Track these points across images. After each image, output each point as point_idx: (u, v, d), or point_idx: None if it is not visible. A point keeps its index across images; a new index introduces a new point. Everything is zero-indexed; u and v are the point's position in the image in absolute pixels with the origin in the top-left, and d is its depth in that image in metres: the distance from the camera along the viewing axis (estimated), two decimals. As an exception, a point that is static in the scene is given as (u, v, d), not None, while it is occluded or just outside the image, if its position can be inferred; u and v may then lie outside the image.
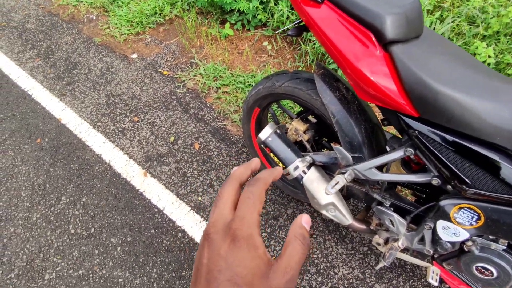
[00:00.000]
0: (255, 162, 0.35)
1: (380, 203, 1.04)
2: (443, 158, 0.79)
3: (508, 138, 0.70)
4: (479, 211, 0.81)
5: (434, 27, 1.94)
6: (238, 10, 2.32)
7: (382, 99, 0.83)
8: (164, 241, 1.50)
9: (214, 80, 2.13)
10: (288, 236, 0.29)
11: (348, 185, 1.11)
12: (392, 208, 1.02)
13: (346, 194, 1.16)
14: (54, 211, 1.64)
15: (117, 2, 2.83)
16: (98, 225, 1.58)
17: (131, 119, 2.00)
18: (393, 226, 1.01)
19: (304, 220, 0.31)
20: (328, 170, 1.17)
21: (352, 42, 0.81)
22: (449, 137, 0.78)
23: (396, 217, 0.98)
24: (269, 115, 1.75)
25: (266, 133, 1.10)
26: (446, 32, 1.90)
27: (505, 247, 0.85)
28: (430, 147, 0.81)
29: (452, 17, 1.92)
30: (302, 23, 1.00)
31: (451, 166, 0.78)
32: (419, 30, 0.84)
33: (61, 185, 1.73)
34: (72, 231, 1.56)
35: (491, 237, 0.86)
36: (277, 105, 1.57)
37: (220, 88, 2.09)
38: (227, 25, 2.37)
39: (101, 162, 1.81)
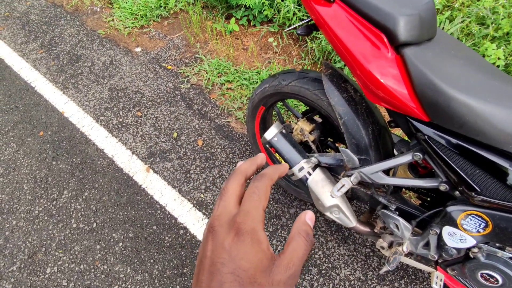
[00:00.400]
0: (261, 157, 0.35)
1: (385, 207, 1.03)
2: (452, 164, 0.78)
3: (521, 146, 0.69)
4: (487, 219, 0.80)
5: (443, 27, 1.91)
6: (244, 5, 2.29)
7: (392, 102, 0.81)
8: (166, 238, 1.50)
9: (218, 76, 2.11)
10: (291, 232, 0.30)
11: (353, 187, 1.10)
12: (397, 212, 1.01)
13: (350, 196, 1.15)
14: (56, 205, 1.64)
15: (122, -6, 2.80)
16: (100, 220, 1.57)
17: (134, 114, 1.99)
18: (398, 230, 1.00)
19: (308, 216, 0.31)
20: (333, 171, 1.16)
21: (363, 43, 0.79)
22: (460, 143, 0.76)
23: (402, 221, 0.97)
24: (273, 113, 1.73)
25: (272, 133, 1.09)
26: (455, 32, 1.87)
27: (511, 255, 0.84)
28: (440, 152, 0.79)
29: (462, 17, 1.89)
30: (311, 22, 0.98)
31: (461, 172, 0.77)
32: (433, 32, 0.82)
33: (64, 179, 1.73)
34: (74, 225, 1.56)
35: (497, 244, 0.85)
36: (282, 104, 1.55)
37: (224, 84, 2.07)
38: (233, 20, 2.34)
39: (104, 156, 1.80)
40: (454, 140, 0.77)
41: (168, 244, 1.48)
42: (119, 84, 2.17)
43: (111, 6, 2.78)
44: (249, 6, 2.22)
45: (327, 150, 1.38)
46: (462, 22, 1.87)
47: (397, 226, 0.99)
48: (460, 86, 0.73)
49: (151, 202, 1.61)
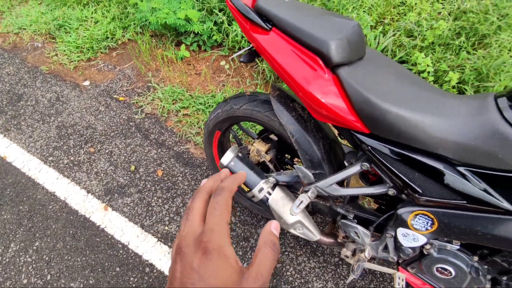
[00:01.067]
0: (224, 173, 0.37)
1: (344, 217, 1.07)
2: (395, 171, 0.84)
3: (448, 147, 0.76)
4: (433, 216, 0.86)
5: (379, 41, 2.09)
6: (193, 31, 2.32)
7: (335, 119, 0.86)
8: (131, 278, 1.41)
9: (173, 103, 2.10)
10: (258, 243, 0.31)
11: (312, 201, 1.13)
12: (355, 220, 1.05)
13: (311, 209, 1.18)
14: (2, 261, 1.48)
15: (65, 28, 2.70)
16: (55, 270, 1.44)
17: (87, 151, 1.89)
18: (358, 237, 1.04)
19: (273, 226, 0.33)
20: (292, 188, 1.18)
21: (302, 67, 0.85)
22: (399, 151, 0.82)
23: (360, 228, 1.01)
24: (232, 135, 1.74)
25: (228, 157, 1.09)
26: (389, 44, 2.05)
27: (458, 247, 0.91)
28: (383, 160, 0.85)
29: (393, 31, 2.09)
30: (253, 49, 1.03)
31: (403, 177, 0.83)
32: (362, 52, 0.90)
33: (9, 231, 1.57)
34: (25, 281, 1.41)
35: (446, 239, 0.92)
36: (238, 127, 1.58)
37: (180, 111, 2.05)
38: (183, 46, 2.36)
39: (56, 200, 1.68)
40: (393, 149, 0.83)
41: (134, 285, 1.39)
42: (68, 121, 2.06)
43: (54, 40, 2.67)
44: (198, 32, 2.26)
45: (287, 167, 1.42)
46: (394, 35, 2.07)
47: (357, 234, 1.03)
48: (393, 99, 0.80)
49: (112, 242, 1.52)
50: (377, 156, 0.86)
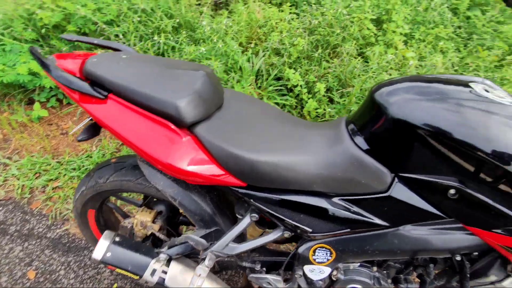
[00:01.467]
0: None
1: (252, 269, 1.00)
2: (281, 217, 0.81)
3: (320, 182, 0.77)
4: (329, 247, 0.86)
5: (253, 62, 2.14)
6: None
7: (208, 182, 0.78)
8: None
9: (36, 178, 1.71)
10: None
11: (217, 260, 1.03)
12: (264, 268, 1.00)
13: (219, 268, 1.07)
14: None
15: None
16: None
17: None
18: (272, 285, 0.98)
19: None
20: (193, 254, 1.05)
21: (153, 137, 0.73)
22: (279, 196, 0.79)
23: (270, 277, 0.96)
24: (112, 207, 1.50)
25: (101, 249, 0.90)
26: (262, 65, 2.13)
27: (359, 264, 0.94)
28: (267, 209, 0.81)
29: (263, 51, 2.18)
30: (93, 121, 0.86)
31: (290, 221, 0.80)
32: (219, 101, 0.84)
33: None
34: None
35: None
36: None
37: (47, 185, 1.68)
38: (37, 105, 1.97)
39: None
40: (274, 196, 0.80)
41: None
42: None
43: None
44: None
45: (186, 227, 1.27)
46: (264, 55, 2.16)
47: (269, 283, 0.97)
48: (257, 147, 0.76)
49: None
50: (261, 206, 0.81)
